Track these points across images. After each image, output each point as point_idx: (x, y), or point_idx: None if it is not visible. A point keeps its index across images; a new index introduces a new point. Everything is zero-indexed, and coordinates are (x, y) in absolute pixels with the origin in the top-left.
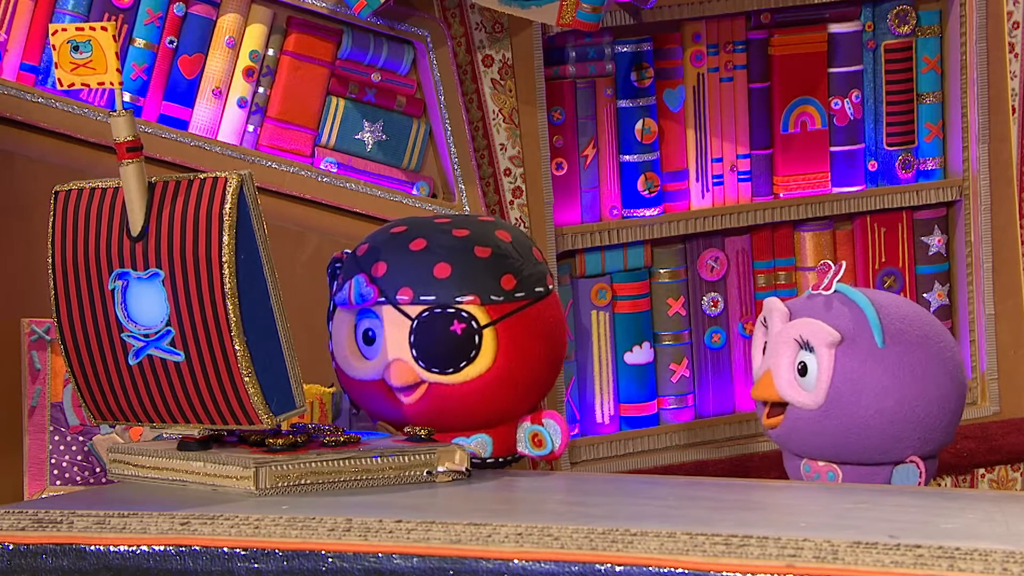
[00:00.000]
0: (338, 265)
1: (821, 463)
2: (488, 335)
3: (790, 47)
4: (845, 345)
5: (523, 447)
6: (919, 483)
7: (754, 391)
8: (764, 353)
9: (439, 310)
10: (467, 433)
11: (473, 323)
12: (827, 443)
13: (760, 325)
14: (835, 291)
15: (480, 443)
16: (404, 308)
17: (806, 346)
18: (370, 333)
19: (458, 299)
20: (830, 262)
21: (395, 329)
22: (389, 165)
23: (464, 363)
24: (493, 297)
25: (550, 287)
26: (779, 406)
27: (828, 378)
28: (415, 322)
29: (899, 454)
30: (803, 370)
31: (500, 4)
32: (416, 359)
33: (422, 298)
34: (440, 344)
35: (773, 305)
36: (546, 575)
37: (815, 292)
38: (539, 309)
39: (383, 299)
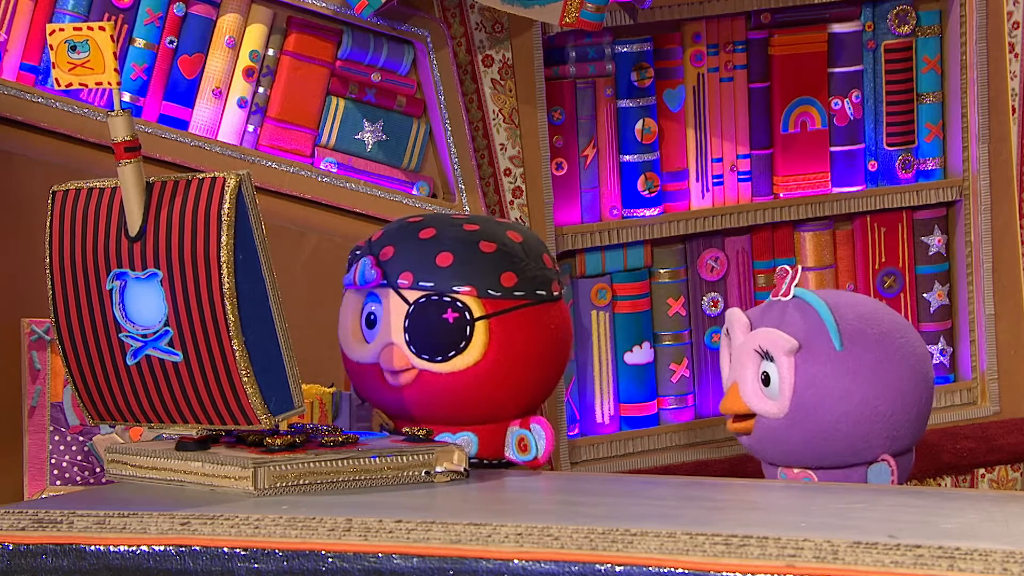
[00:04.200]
0: (357, 251)
1: (796, 470)
2: (480, 328)
3: (790, 47)
4: (804, 351)
5: (510, 452)
6: (891, 481)
7: (723, 405)
8: (730, 365)
9: (435, 297)
10: (454, 429)
11: (466, 314)
12: (797, 450)
13: (724, 337)
14: (793, 296)
15: (465, 441)
16: (403, 292)
17: (766, 356)
18: (372, 316)
19: (455, 288)
20: (787, 267)
21: (393, 313)
22: (389, 165)
23: (453, 353)
24: (491, 291)
25: (556, 293)
26: (747, 415)
27: (790, 386)
28: (411, 307)
29: (870, 454)
30: (766, 380)
31: (503, 4)
32: (408, 344)
33: (421, 283)
34: (431, 331)
35: (734, 316)
36: (546, 575)
37: (774, 299)
38: (539, 312)
39: (384, 282)
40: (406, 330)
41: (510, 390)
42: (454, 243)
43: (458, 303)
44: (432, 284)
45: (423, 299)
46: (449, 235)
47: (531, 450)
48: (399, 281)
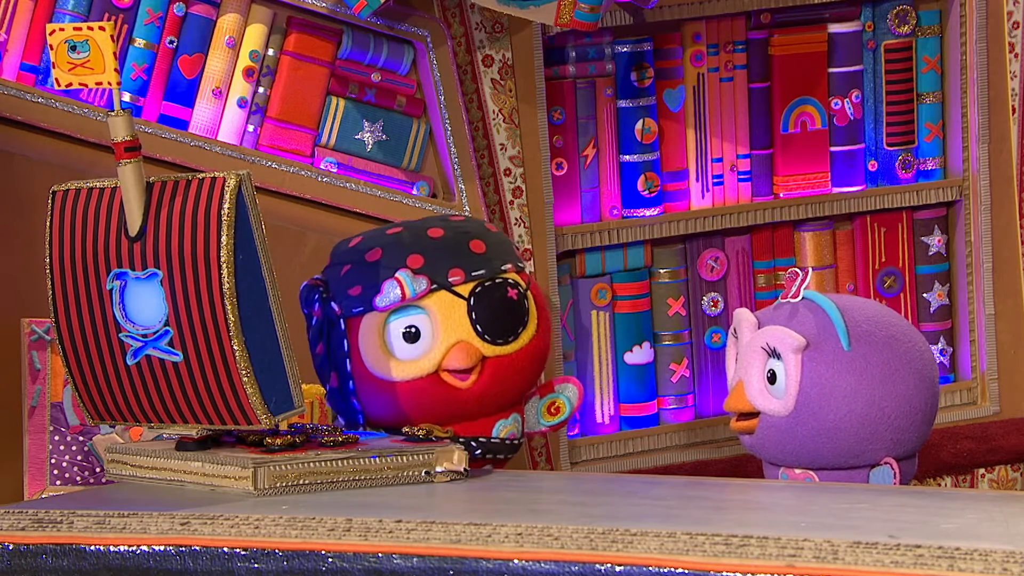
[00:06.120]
0: (320, 291)
1: (798, 470)
2: (530, 299)
3: (790, 47)
4: (811, 350)
5: (536, 423)
6: (894, 484)
7: (727, 403)
8: (736, 363)
9: (488, 282)
10: (506, 413)
11: (519, 288)
12: (800, 449)
13: (731, 336)
14: (803, 298)
15: (515, 421)
16: (457, 289)
17: (773, 353)
18: (413, 329)
19: (502, 268)
20: (798, 270)
21: (449, 313)
22: (389, 165)
23: (520, 328)
24: (519, 264)
25: None
26: (751, 414)
27: (796, 384)
28: (471, 299)
29: (873, 456)
30: (772, 378)
31: (499, 4)
32: (481, 334)
33: (473, 274)
34: (502, 313)
35: (742, 316)
36: (546, 575)
37: (783, 301)
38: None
39: (435, 286)
40: (475, 322)
41: (546, 356)
42: (475, 228)
43: (509, 280)
44: (483, 271)
45: (478, 287)
46: (455, 227)
47: (566, 407)
48: (451, 280)
